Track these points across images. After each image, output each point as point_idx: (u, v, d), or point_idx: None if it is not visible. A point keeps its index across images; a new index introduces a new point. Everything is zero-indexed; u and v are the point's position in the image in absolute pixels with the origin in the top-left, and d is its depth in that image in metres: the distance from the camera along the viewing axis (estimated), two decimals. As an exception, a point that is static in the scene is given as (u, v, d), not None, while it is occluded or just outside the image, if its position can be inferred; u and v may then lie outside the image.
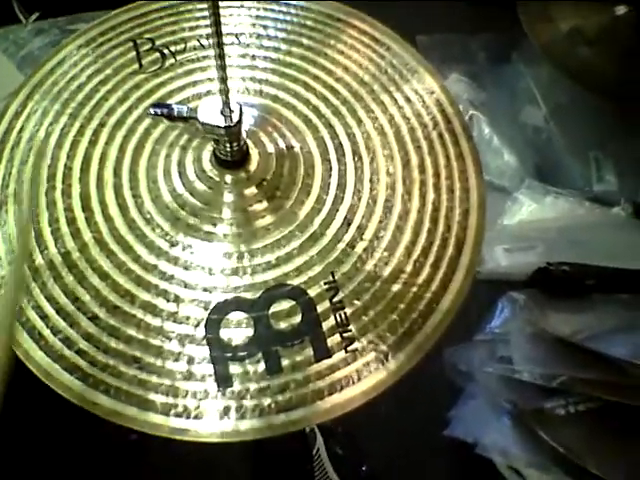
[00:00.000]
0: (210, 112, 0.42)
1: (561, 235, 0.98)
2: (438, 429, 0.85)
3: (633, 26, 0.93)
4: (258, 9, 0.55)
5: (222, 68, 0.39)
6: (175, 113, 0.44)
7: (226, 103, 0.41)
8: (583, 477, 0.80)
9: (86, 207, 0.45)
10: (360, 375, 0.41)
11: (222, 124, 0.42)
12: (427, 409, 0.89)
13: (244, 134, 0.45)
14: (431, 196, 0.46)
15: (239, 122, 0.42)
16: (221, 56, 0.38)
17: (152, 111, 0.45)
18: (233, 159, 0.46)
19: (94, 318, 0.41)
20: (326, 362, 0.41)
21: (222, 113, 0.42)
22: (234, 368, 0.40)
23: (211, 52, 0.40)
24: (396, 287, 0.43)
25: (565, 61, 0.95)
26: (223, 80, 0.40)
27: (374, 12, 0.57)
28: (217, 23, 0.37)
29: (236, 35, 0.53)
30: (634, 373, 0.78)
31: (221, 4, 0.53)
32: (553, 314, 0.87)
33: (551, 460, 0.82)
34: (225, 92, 0.40)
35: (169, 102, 0.49)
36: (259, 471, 0.79)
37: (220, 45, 0.38)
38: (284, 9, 0.54)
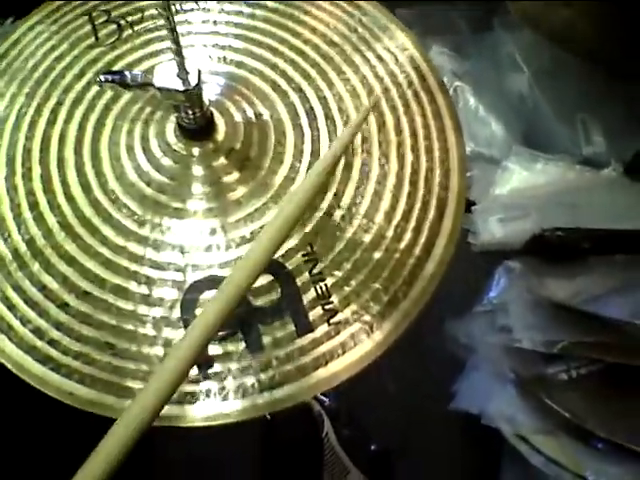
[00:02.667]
0: (166, 77, 0.39)
1: (553, 200, 0.96)
2: (443, 403, 0.84)
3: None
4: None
5: (173, 30, 0.36)
6: (129, 80, 0.41)
7: (181, 65, 0.38)
8: (590, 441, 0.79)
9: (48, 189, 0.43)
10: (345, 348, 0.39)
11: (180, 88, 0.39)
12: (431, 384, 0.87)
13: (207, 102, 0.43)
14: (409, 158, 0.44)
15: (198, 85, 0.40)
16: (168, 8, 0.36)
17: (102, 78, 0.42)
18: (197, 126, 0.43)
19: (64, 305, 0.39)
20: (309, 337, 0.39)
21: (179, 76, 0.39)
22: (213, 349, 0.38)
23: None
24: (377, 254, 0.41)
25: (545, 25, 0.92)
26: (175, 40, 0.37)
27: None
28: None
29: (195, 0, 0.50)
30: (633, 333, 0.76)
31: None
32: (550, 279, 0.85)
33: (557, 425, 0.80)
34: (179, 53, 0.38)
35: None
36: (269, 457, 0.78)
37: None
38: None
